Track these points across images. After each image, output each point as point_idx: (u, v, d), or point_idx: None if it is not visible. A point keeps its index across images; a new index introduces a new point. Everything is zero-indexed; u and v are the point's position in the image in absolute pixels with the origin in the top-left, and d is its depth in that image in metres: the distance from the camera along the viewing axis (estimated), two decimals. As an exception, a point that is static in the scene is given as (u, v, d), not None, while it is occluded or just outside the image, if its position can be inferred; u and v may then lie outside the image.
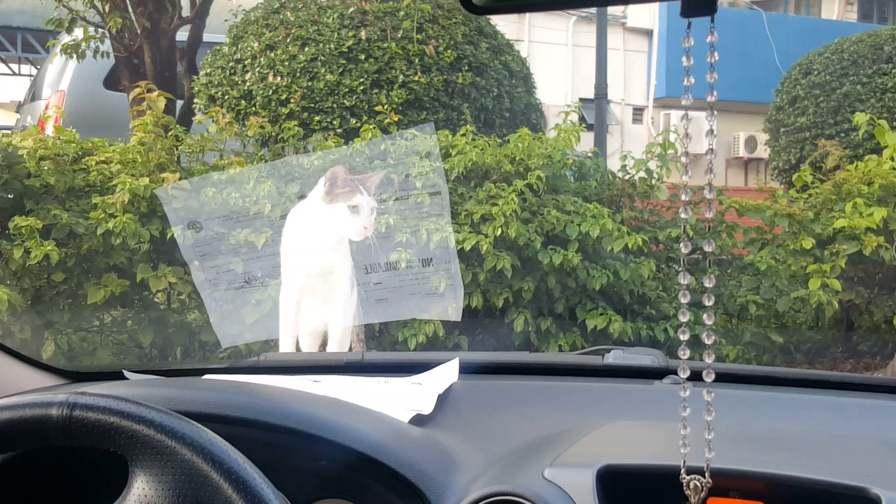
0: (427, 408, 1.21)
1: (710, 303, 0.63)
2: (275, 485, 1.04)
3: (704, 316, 0.64)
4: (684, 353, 0.66)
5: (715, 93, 0.62)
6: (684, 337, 0.65)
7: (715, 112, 0.65)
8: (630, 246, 3.80)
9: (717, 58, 0.63)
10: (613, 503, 0.95)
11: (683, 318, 0.64)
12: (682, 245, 0.63)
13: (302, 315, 2.51)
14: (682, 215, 0.63)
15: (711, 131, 0.66)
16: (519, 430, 1.17)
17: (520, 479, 0.98)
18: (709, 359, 0.65)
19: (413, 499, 0.98)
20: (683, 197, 0.65)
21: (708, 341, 0.64)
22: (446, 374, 1.34)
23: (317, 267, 2.47)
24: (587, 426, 1.13)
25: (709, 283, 0.64)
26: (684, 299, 0.64)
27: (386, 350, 3.61)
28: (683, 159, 0.65)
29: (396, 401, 1.23)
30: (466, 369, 1.36)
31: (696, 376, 1.24)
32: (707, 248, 0.64)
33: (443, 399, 1.25)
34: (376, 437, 1.02)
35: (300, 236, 2.47)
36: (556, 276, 3.82)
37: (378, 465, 0.98)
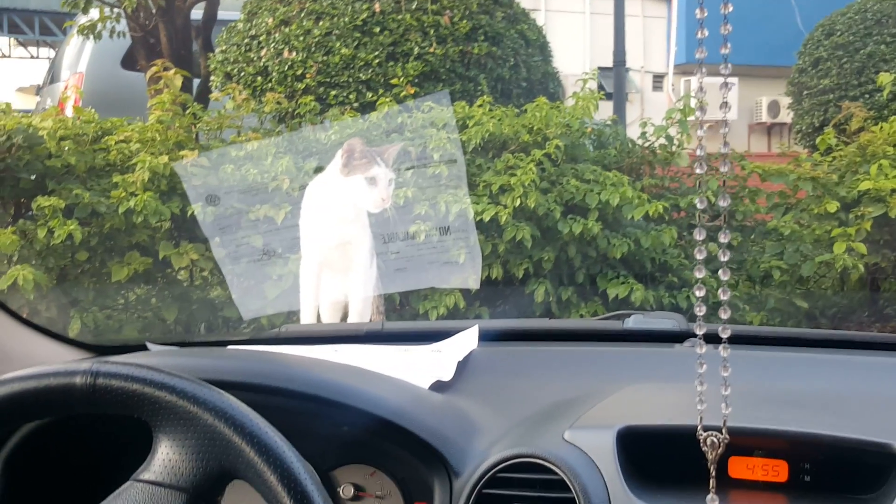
0: (447, 374, 1.22)
1: (725, 258, 0.63)
2: (297, 450, 1.06)
3: (720, 272, 0.64)
4: (700, 311, 0.66)
5: (729, 65, 0.61)
6: (700, 294, 0.65)
7: (729, 84, 0.64)
8: (651, 213, 3.77)
9: (730, 29, 0.62)
10: (634, 464, 0.95)
11: (699, 275, 0.64)
12: (697, 202, 0.63)
13: (322, 287, 2.52)
14: (698, 170, 0.62)
15: (725, 103, 0.65)
16: (539, 395, 1.17)
17: (540, 441, 0.98)
18: (724, 315, 0.64)
19: (434, 463, 0.99)
20: (699, 152, 0.64)
21: (724, 297, 0.64)
22: (466, 341, 1.34)
23: (335, 239, 2.48)
24: (607, 390, 1.14)
25: (723, 238, 0.63)
26: (700, 256, 0.64)
27: (422, 321, 3.62)
28: (698, 114, 0.64)
29: (416, 368, 1.23)
30: (486, 336, 1.36)
31: (714, 338, 1.24)
32: (722, 204, 0.63)
33: (462, 366, 1.26)
34: (397, 403, 1.03)
35: (318, 209, 2.48)
36: (577, 246, 3.81)
37: (399, 430, 0.99)
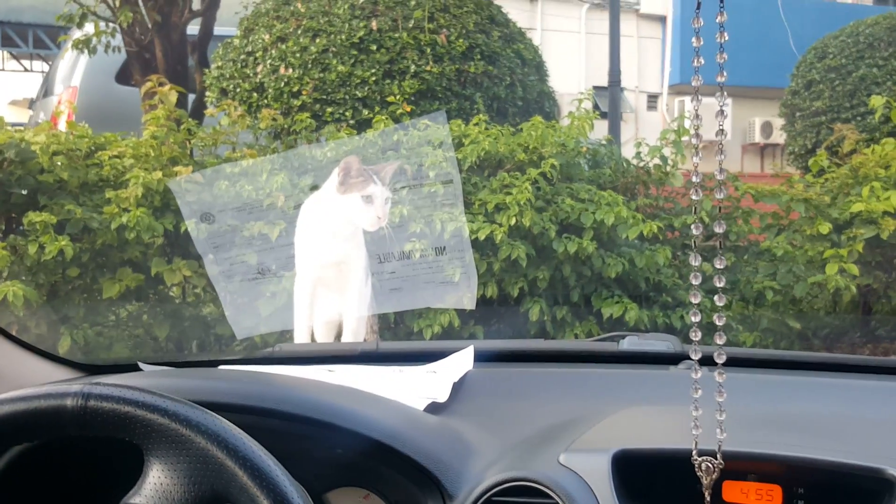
0: (442, 395, 1.21)
1: (721, 284, 0.63)
2: (290, 473, 1.05)
3: (715, 297, 0.63)
4: (696, 336, 0.66)
5: (725, 73, 0.61)
6: (696, 319, 0.65)
7: (725, 93, 0.65)
8: (645, 233, 3.78)
9: (726, 38, 0.63)
10: (629, 487, 0.94)
11: (695, 301, 0.64)
12: (693, 228, 0.63)
13: (316, 306, 2.51)
14: (694, 197, 0.62)
15: (722, 111, 0.65)
16: (534, 417, 1.17)
17: (535, 464, 0.98)
18: (720, 340, 0.64)
19: (429, 486, 0.98)
20: (695, 179, 0.64)
21: (719, 323, 0.64)
22: (461, 362, 1.34)
23: (331, 257, 2.47)
24: (602, 412, 1.13)
25: (719, 265, 0.63)
26: (695, 281, 0.64)
27: (417, 341, 3.62)
28: (694, 141, 0.65)
29: (411, 389, 1.23)
30: (481, 357, 1.36)
31: (709, 361, 1.24)
32: (718, 230, 0.63)
33: (458, 387, 1.25)
34: (391, 425, 1.02)
35: (314, 227, 2.47)
36: (571, 265, 3.81)
37: (393, 452, 0.98)
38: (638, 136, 5.92)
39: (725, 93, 0.64)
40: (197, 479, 0.72)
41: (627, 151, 4.81)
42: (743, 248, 4.34)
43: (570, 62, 11.05)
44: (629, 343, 1.40)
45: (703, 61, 0.66)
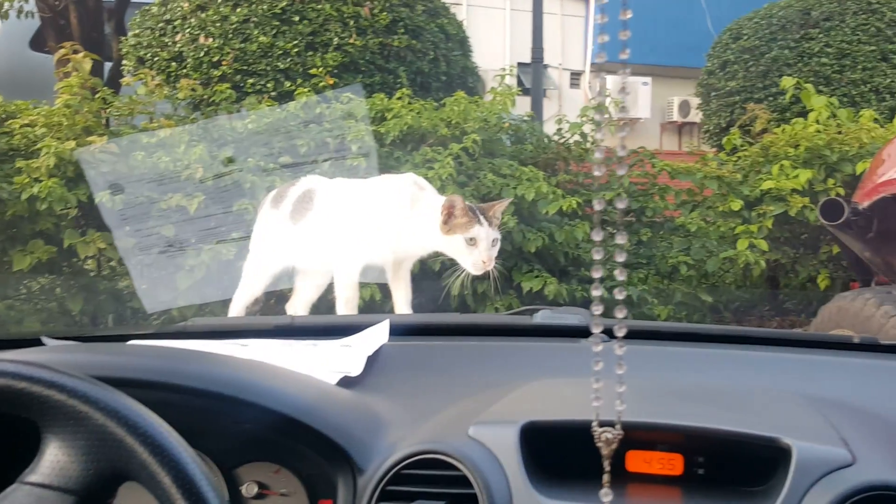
0: (355, 369, 1.21)
1: (622, 259, 0.64)
2: (198, 449, 1.04)
3: (616, 271, 0.65)
4: (598, 310, 0.67)
5: (628, 50, 0.62)
6: (597, 293, 0.66)
7: (627, 90, 0.66)
8: (565, 209, 3.83)
9: (630, 15, 0.64)
10: (537, 459, 0.96)
11: (596, 275, 0.65)
12: (595, 203, 0.64)
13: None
14: (597, 173, 0.64)
15: (624, 89, 0.66)
16: (447, 390, 1.18)
17: (445, 437, 0.99)
18: (620, 314, 0.66)
19: (338, 460, 0.98)
20: (597, 155, 0.65)
21: (619, 297, 0.66)
22: (376, 335, 1.34)
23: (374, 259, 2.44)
24: (515, 385, 1.15)
25: (621, 240, 0.64)
26: (597, 256, 0.65)
27: (323, 314, 3.60)
28: (596, 117, 0.66)
29: (324, 363, 1.22)
30: (396, 331, 1.36)
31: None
32: (619, 206, 0.65)
33: (372, 361, 1.25)
34: (301, 399, 1.02)
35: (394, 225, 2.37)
36: (492, 239, 3.84)
37: (303, 426, 0.98)
38: (561, 112, 5.99)
39: (629, 70, 0.65)
40: (96, 457, 0.70)
41: (551, 128, 4.86)
42: (659, 224, 4.44)
43: (496, 38, 11.05)
44: (542, 316, 1.42)
45: (607, 38, 0.67)
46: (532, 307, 1.50)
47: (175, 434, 0.71)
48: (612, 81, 7.27)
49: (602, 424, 0.72)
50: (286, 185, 2.64)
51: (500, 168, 4.03)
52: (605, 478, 0.71)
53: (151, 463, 0.69)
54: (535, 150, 4.48)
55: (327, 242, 2.44)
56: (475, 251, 2.23)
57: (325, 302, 2.71)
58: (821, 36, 6.95)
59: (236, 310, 2.54)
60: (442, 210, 2.24)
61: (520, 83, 8.36)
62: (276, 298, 2.85)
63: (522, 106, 7.02)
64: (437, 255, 2.44)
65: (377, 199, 2.41)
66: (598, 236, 0.68)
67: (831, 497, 0.86)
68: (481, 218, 2.23)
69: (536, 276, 3.78)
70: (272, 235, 2.54)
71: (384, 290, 3.64)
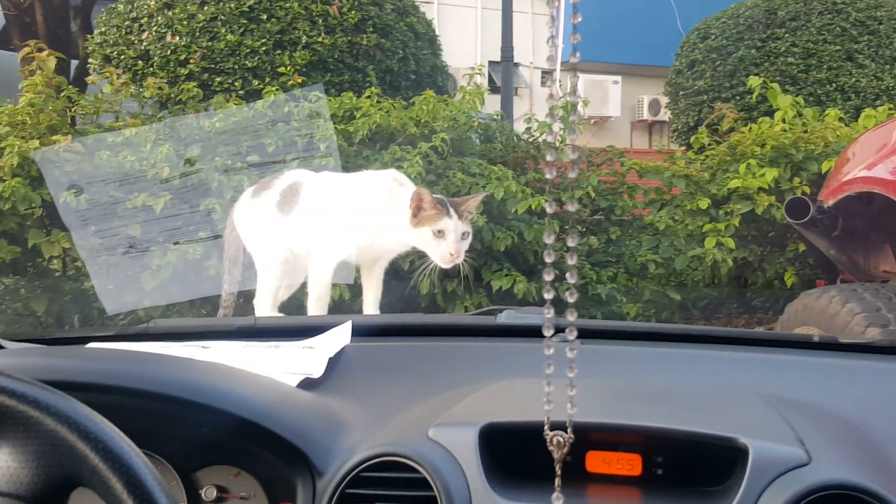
0: (317, 371, 1.21)
1: (573, 261, 0.64)
2: (156, 453, 1.03)
3: (567, 274, 0.65)
4: (549, 312, 0.67)
5: (578, 53, 0.63)
6: (549, 296, 0.66)
7: (577, 90, 0.66)
8: (534, 207, 3.84)
9: (579, 19, 0.64)
10: (496, 460, 0.96)
11: (548, 277, 0.65)
12: (547, 206, 0.64)
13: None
14: (548, 175, 0.64)
15: (575, 106, 0.66)
16: (409, 391, 1.17)
17: (405, 439, 0.99)
18: (571, 316, 0.66)
19: (298, 463, 0.98)
20: (549, 157, 0.65)
21: (571, 299, 0.66)
22: (338, 337, 1.33)
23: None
24: (477, 386, 1.15)
25: (571, 243, 0.65)
26: (548, 259, 0.65)
27: (292, 315, 3.58)
28: (549, 120, 0.66)
29: (286, 365, 1.22)
30: (359, 332, 1.35)
31: (582, 334, 1.27)
32: (570, 209, 0.65)
33: (334, 362, 1.25)
34: (260, 402, 1.01)
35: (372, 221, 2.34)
36: (462, 238, 3.84)
37: (261, 430, 0.97)
38: (532, 111, 6.00)
39: (579, 73, 0.65)
40: (46, 462, 0.70)
41: (521, 127, 4.87)
42: (628, 223, 4.46)
43: (467, 37, 11.06)
44: (506, 317, 1.42)
45: (560, 43, 0.67)
46: (496, 307, 1.50)
47: (126, 439, 0.71)
48: (582, 80, 7.28)
49: (555, 427, 0.72)
50: (271, 178, 2.61)
51: (469, 167, 4.03)
52: (557, 481, 0.71)
53: (102, 468, 0.68)
54: (505, 148, 4.48)
55: (306, 237, 2.43)
56: (443, 243, 2.21)
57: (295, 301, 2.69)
58: (787, 36, 7.03)
59: (263, 309, 2.49)
60: (410, 203, 2.23)
61: (491, 82, 8.37)
62: (243, 299, 2.83)
63: (494, 105, 7.03)
64: (413, 251, 2.42)
65: (356, 195, 2.40)
66: (549, 239, 0.68)
67: (787, 496, 0.87)
68: (451, 210, 2.22)
69: (506, 275, 3.78)
70: (266, 226, 2.51)
71: (353, 289, 3.63)
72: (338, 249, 2.40)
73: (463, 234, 2.25)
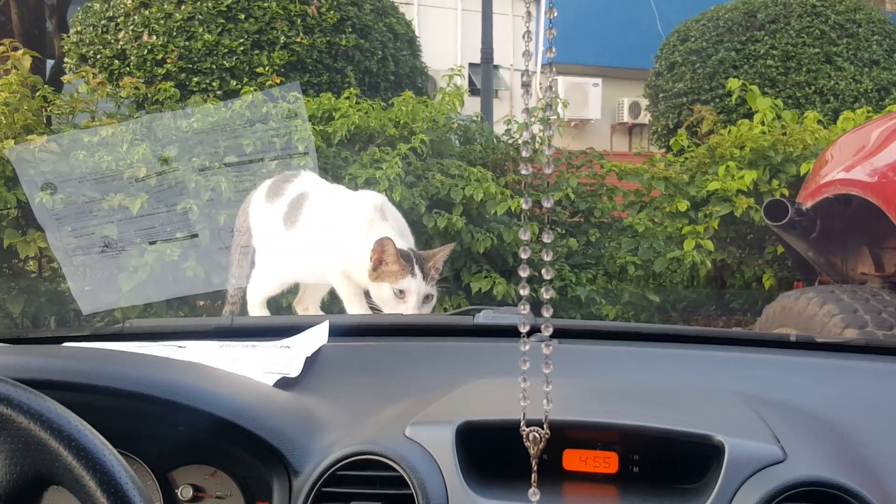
0: (294, 371, 1.20)
1: (549, 258, 0.64)
2: (132, 452, 1.02)
3: (543, 271, 0.65)
4: (525, 309, 0.68)
5: (554, 50, 0.63)
6: (524, 293, 0.66)
7: (553, 90, 0.66)
8: (513, 209, 3.85)
9: (555, 14, 0.64)
10: (473, 458, 0.96)
11: (523, 274, 0.65)
12: (522, 202, 0.64)
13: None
14: (524, 171, 0.64)
15: (550, 87, 0.67)
16: (386, 391, 1.17)
17: (381, 438, 0.98)
18: (546, 313, 0.66)
19: (274, 462, 0.98)
20: (524, 154, 0.66)
21: (546, 296, 0.66)
22: (315, 336, 1.33)
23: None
24: (455, 385, 1.15)
25: (547, 239, 0.65)
26: (524, 255, 0.65)
27: (273, 315, 3.55)
28: (522, 118, 0.66)
29: (263, 364, 1.21)
30: (337, 332, 1.35)
31: (560, 333, 1.27)
32: (546, 205, 0.65)
33: (311, 362, 1.24)
34: (236, 402, 1.01)
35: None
36: (441, 240, 3.84)
37: (237, 429, 0.97)
38: (512, 113, 6.01)
39: (555, 69, 0.65)
40: (19, 461, 0.69)
41: (502, 129, 4.88)
42: (607, 224, 4.48)
43: (447, 38, 11.07)
44: (484, 316, 1.42)
45: (531, 49, 0.68)
46: (474, 307, 1.50)
47: (100, 437, 0.70)
48: (562, 83, 7.30)
49: (531, 424, 0.72)
50: (288, 177, 2.46)
51: (448, 168, 4.03)
52: (533, 477, 0.71)
53: (76, 467, 0.68)
54: (484, 150, 4.49)
55: (292, 247, 2.35)
56: (402, 306, 1.98)
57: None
58: (766, 38, 7.08)
59: (253, 305, 2.42)
60: (371, 253, 1.99)
61: (471, 83, 8.38)
62: (221, 300, 2.81)
63: (473, 107, 7.04)
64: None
65: (337, 215, 2.24)
66: (525, 235, 0.68)
67: (762, 493, 0.87)
68: (415, 268, 1.99)
69: (485, 277, 3.79)
70: (269, 229, 2.42)
71: (332, 291, 3.62)
72: (274, 270, 2.35)
73: (426, 296, 2.02)
